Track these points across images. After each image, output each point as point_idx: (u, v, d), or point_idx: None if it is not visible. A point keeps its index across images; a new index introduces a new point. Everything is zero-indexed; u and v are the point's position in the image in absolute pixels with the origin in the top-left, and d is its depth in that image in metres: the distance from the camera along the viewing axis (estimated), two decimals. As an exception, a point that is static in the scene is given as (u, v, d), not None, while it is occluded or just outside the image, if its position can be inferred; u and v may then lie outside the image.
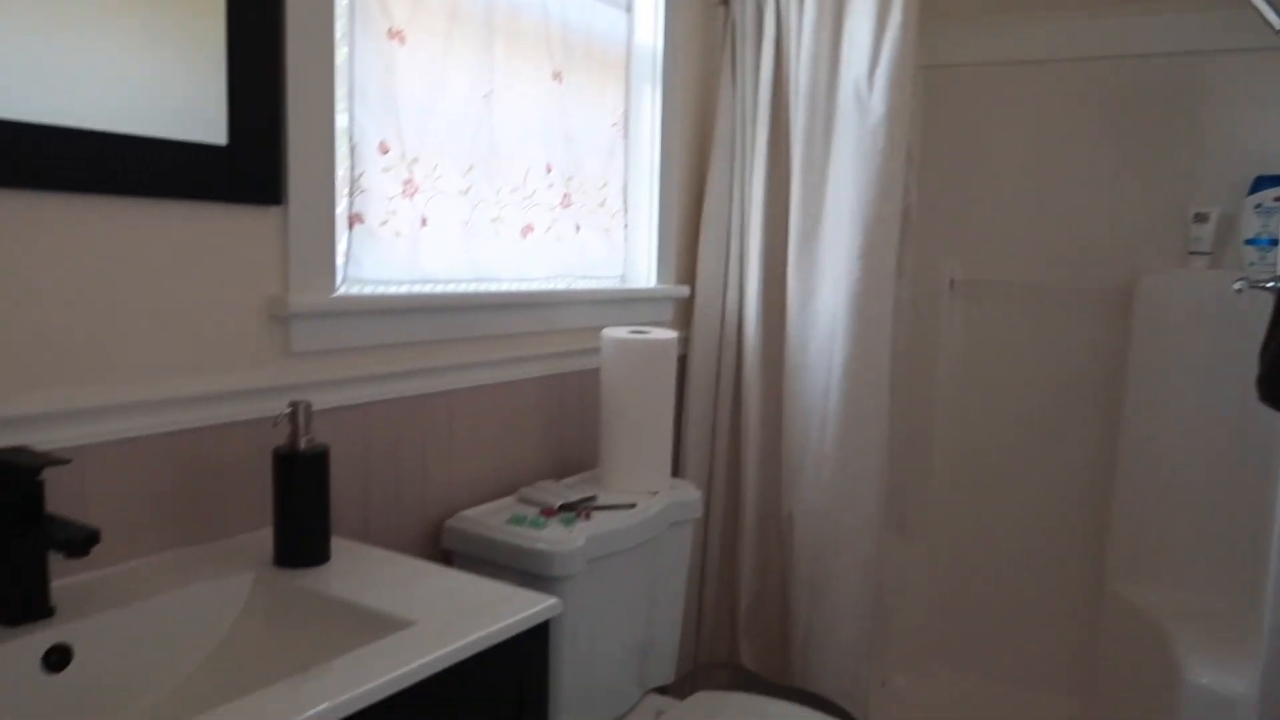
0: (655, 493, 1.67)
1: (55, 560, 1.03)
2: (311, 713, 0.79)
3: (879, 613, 2.13)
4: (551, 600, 1.07)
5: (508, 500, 1.61)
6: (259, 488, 1.25)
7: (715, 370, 2.12)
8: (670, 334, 1.69)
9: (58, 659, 0.94)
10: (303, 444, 1.14)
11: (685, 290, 2.06)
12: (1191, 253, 2.18)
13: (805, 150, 1.95)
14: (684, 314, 2.13)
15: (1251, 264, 2.08)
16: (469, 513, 1.52)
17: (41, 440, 1.01)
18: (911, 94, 1.94)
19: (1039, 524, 2.45)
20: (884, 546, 2.22)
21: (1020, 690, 2.48)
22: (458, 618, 1.00)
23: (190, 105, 1.11)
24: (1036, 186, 2.40)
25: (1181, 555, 2.21)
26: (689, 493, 1.72)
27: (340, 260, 1.34)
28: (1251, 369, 2.11)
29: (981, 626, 2.54)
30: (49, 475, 1.02)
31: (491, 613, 1.02)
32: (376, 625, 1.01)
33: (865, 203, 1.89)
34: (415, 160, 1.43)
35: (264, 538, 1.23)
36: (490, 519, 1.49)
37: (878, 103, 1.87)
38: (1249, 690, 1.77)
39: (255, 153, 1.18)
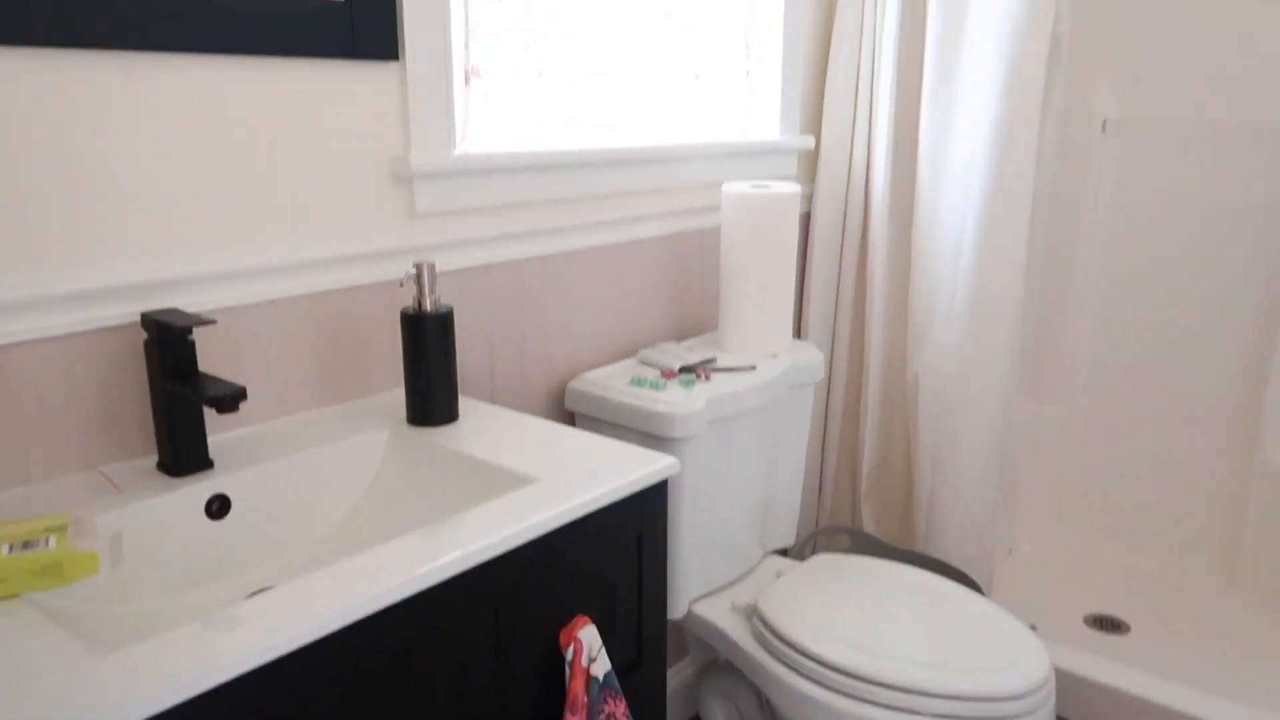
0: (776, 354, 1.64)
1: (209, 417, 1.10)
2: (446, 560, 0.83)
3: (1007, 477, 2.08)
4: (670, 459, 1.08)
5: (628, 362, 1.62)
6: (391, 349, 1.29)
7: (841, 225, 2.04)
8: (793, 187, 1.62)
9: (219, 507, 1.01)
10: (428, 305, 1.15)
11: (810, 141, 1.96)
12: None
13: (946, -18, 1.78)
14: (809, 166, 2.04)
15: None
16: (590, 375, 1.54)
17: (190, 302, 1.07)
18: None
19: (1189, 387, 2.31)
20: (1016, 408, 2.15)
21: (1157, 559, 2.41)
22: (579, 475, 1.02)
23: (302, -39, 1.09)
24: (1204, 6, 2.14)
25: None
26: (811, 354, 1.69)
27: (459, 117, 1.32)
28: None
29: (1117, 492, 2.45)
30: (201, 337, 1.08)
31: (612, 471, 1.04)
32: (503, 481, 1.04)
33: (1009, 33, 1.72)
34: (530, 10, 1.38)
35: (397, 398, 1.28)
36: (611, 381, 1.51)
37: (1031, -78, 1.68)
38: None
39: (371, 6, 1.16)
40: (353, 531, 1.08)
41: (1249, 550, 2.23)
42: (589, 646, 0.97)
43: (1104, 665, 1.87)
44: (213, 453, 1.06)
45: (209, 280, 1.08)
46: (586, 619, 0.99)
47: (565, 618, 0.99)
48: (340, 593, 0.78)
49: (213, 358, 1.10)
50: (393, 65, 1.21)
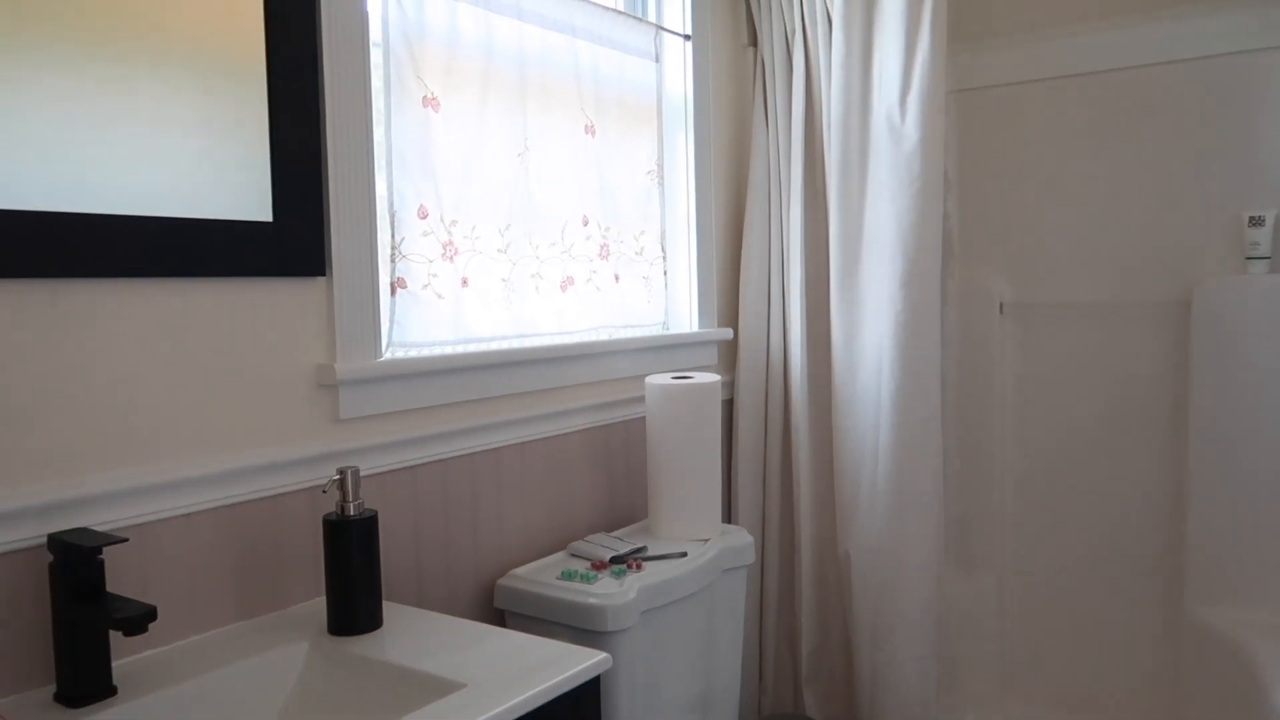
0: (706, 540, 1.65)
1: (116, 639, 1.06)
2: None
3: (945, 651, 2.07)
4: (600, 656, 1.06)
5: (559, 555, 1.60)
6: (312, 556, 1.26)
7: (763, 411, 2.10)
8: (714, 377, 1.69)
9: (120, 737, 0.95)
10: (352, 510, 1.15)
11: (729, 333, 2.06)
12: (1249, 258, 2.11)
13: (841, 183, 1.95)
14: (729, 357, 2.12)
15: (1314, 269, 2.00)
16: (520, 570, 1.52)
17: (102, 520, 1.04)
18: (945, 118, 1.93)
19: (1110, 549, 2.36)
20: (949, 581, 2.16)
21: (1102, 726, 2.38)
22: (508, 678, 1.00)
23: (236, 186, 1.15)
24: (1083, 201, 2.35)
25: (1262, 573, 2.12)
26: (741, 538, 1.70)
27: (385, 326, 1.37)
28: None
29: (1055, 658, 2.45)
30: (110, 555, 1.05)
31: (542, 671, 1.02)
32: (429, 689, 1.01)
33: (904, 231, 1.87)
34: (454, 223, 1.46)
35: (318, 606, 1.24)
36: (541, 576, 1.49)
37: (911, 129, 1.86)
38: (1347, 721, 1.68)
39: (299, 227, 1.22)
40: (267, 756, 1.02)
41: (1188, 710, 2.22)
42: None
43: None
44: (117, 678, 1.01)
45: (122, 496, 1.06)
46: (517, 837, 0.94)
47: (495, 837, 0.94)
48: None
49: (122, 576, 1.07)
50: (319, 280, 1.26)
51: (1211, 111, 2.18)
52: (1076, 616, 2.42)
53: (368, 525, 1.15)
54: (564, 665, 1.03)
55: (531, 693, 0.97)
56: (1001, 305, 2.47)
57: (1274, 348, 2.07)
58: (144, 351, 1.09)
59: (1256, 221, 2.10)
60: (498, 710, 0.93)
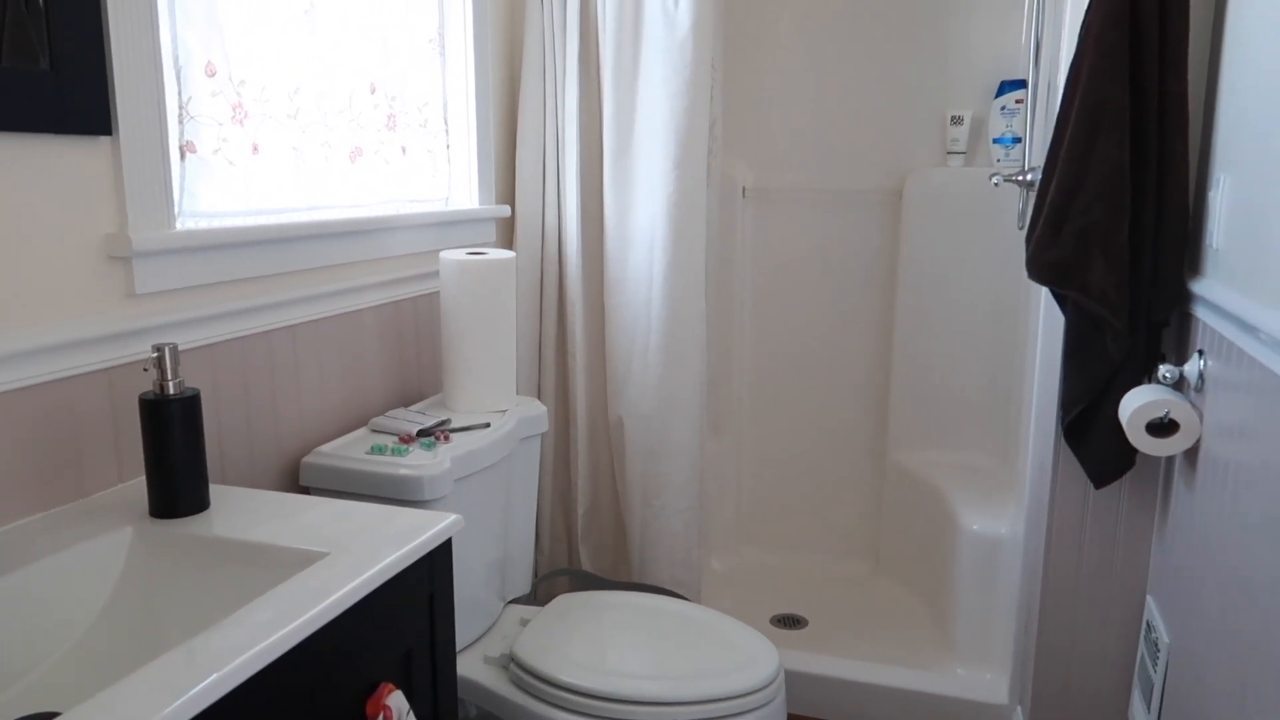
0: (504, 410, 1.72)
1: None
2: (264, 645, 0.81)
3: (704, 505, 2.31)
4: (453, 517, 1.11)
5: (361, 432, 1.60)
6: (119, 438, 1.18)
7: (538, 287, 2.16)
8: (508, 254, 1.72)
9: (-60, 638, 0.87)
10: (171, 389, 1.09)
11: (506, 210, 2.08)
12: (950, 152, 2.46)
13: (615, 64, 2.00)
14: (506, 234, 2.15)
15: (999, 160, 2.38)
16: (325, 448, 1.50)
17: None
18: (715, 6, 2.03)
19: (830, 411, 2.73)
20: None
21: (820, 560, 2.79)
22: (367, 544, 1.02)
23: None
24: (817, 95, 2.59)
25: (946, 423, 2.56)
26: (535, 408, 1.78)
27: (175, 193, 1.26)
28: (1008, 255, 2.44)
29: (784, 508, 2.81)
30: (-115, 446, 0.93)
31: (396, 535, 1.05)
32: (290, 561, 1.01)
33: (676, 115, 1.97)
34: (243, 82, 1.35)
35: (132, 490, 1.17)
36: (349, 451, 1.48)
37: (684, 16, 1.94)
38: (1011, 530, 2.11)
39: (79, 77, 1.08)
40: (102, 649, 0.97)
41: (887, 540, 2.67)
42: (398, 713, 0.97)
43: (792, 655, 2.14)
44: (-82, 579, 0.91)
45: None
46: (393, 686, 0.98)
47: (370, 688, 0.98)
48: (157, 693, 0.72)
49: (-95, 469, 0.95)
50: (104, 140, 1.13)
51: (923, 18, 2.47)
52: (799, 469, 2.78)
53: (190, 404, 1.10)
54: (419, 529, 1.07)
55: (399, 553, 1.00)
56: (744, 189, 2.68)
57: (966, 232, 2.45)
58: (-93, 215, 0.94)
59: (957, 120, 2.44)
60: (374, 570, 0.96)
